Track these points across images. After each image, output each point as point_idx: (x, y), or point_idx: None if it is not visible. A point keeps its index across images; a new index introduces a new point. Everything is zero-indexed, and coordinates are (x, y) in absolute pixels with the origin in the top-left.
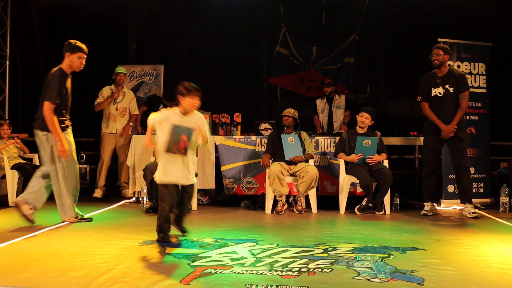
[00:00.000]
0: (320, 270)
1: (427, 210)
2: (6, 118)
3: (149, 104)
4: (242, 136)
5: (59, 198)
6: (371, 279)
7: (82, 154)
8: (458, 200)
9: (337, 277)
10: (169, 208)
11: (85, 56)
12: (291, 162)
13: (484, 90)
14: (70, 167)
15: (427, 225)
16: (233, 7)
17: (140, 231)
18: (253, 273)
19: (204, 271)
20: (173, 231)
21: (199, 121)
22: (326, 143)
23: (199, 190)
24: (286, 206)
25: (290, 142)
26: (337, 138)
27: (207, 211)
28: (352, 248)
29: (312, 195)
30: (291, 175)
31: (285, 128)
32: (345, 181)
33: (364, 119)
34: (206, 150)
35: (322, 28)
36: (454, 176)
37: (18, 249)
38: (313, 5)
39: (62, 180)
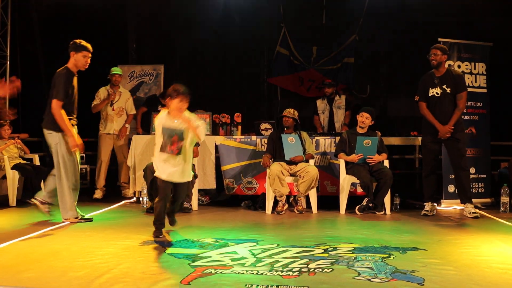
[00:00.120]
0: (320, 270)
1: (427, 210)
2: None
3: (149, 105)
4: (243, 136)
5: (61, 197)
6: (371, 279)
7: (82, 154)
8: (459, 200)
9: (338, 277)
10: (163, 204)
11: (90, 55)
12: (292, 162)
13: (485, 90)
14: (71, 167)
15: (428, 225)
16: (233, 7)
17: (141, 231)
18: (253, 273)
19: (205, 271)
20: (168, 227)
21: (189, 119)
22: (326, 143)
23: (199, 190)
24: (286, 206)
25: (290, 142)
26: (337, 138)
27: (207, 211)
28: (353, 248)
29: (313, 195)
30: (291, 175)
31: (285, 128)
32: (346, 181)
33: (364, 119)
34: (206, 150)
35: (322, 28)
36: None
37: (19, 249)
38: (313, 5)
39: (65, 178)
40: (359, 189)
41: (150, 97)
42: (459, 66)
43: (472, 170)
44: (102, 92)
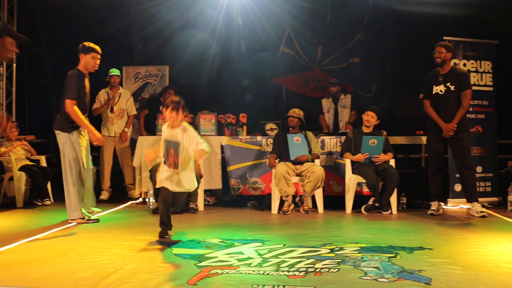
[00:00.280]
0: (327, 270)
1: (434, 210)
2: (14, 120)
3: (150, 107)
4: (248, 137)
5: (67, 197)
6: (378, 279)
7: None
8: (465, 199)
9: (344, 277)
10: (163, 206)
11: (99, 56)
12: (297, 162)
13: (491, 88)
14: (76, 168)
15: (434, 225)
16: (238, 8)
17: (147, 232)
18: (259, 273)
19: (211, 272)
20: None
21: (186, 135)
22: (332, 143)
23: (205, 191)
24: (292, 206)
25: (296, 142)
26: (343, 138)
27: (213, 211)
28: (359, 248)
29: (319, 195)
30: (297, 175)
31: (290, 128)
32: (352, 180)
33: (369, 118)
34: (212, 150)
35: (327, 28)
36: None
37: (26, 250)
38: (318, 4)
39: (70, 179)
40: (365, 189)
41: (151, 99)
42: (464, 65)
43: (479, 168)
44: (102, 95)
